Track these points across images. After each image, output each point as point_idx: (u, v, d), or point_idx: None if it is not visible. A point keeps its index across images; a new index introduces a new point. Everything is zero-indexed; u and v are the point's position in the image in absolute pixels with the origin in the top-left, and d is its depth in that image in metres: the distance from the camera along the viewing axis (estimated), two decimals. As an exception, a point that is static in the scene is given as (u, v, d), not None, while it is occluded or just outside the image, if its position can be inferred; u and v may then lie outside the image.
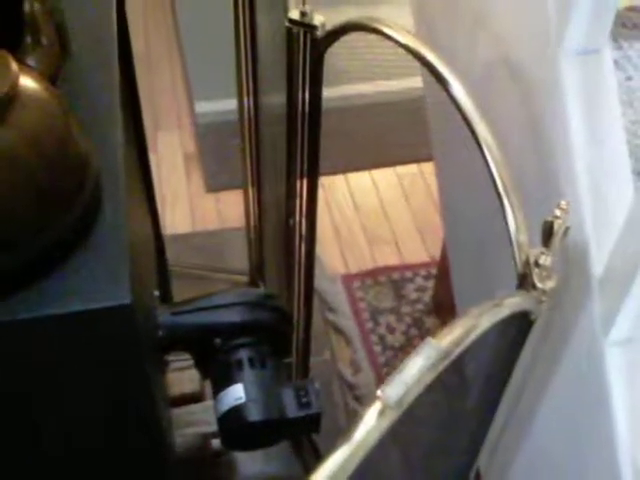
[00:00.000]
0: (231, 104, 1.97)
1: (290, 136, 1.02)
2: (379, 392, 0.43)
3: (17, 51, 0.59)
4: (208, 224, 1.93)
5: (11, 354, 0.57)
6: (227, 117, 2.04)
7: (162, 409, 0.82)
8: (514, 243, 0.64)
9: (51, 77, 0.60)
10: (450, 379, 0.57)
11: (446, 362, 0.46)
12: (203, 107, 2.13)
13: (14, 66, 0.55)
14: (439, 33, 0.92)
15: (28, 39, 0.60)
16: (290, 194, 1.12)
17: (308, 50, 0.87)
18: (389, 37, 0.74)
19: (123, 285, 0.55)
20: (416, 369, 0.44)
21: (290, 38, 0.88)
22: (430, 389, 0.47)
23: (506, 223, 0.64)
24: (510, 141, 0.69)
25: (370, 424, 0.43)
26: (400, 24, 0.75)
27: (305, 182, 1.08)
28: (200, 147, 2.09)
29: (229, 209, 1.95)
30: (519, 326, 0.66)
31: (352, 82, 2.20)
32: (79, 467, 0.72)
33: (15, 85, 0.54)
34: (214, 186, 2.00)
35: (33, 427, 0.65)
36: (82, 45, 0.73)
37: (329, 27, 0.84)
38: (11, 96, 0.53)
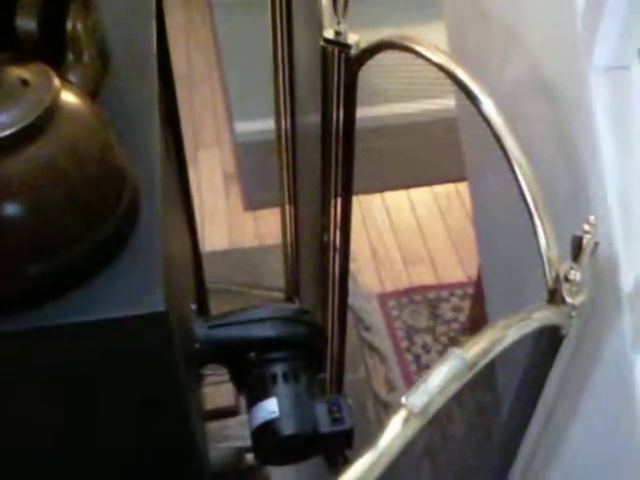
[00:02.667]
0: (270, 124, 2.00)
1: (324, 155, 1.04)
2: (403, 400, 0.44)
3: (59, 67, 0.61)
4: (246, 241, 1.96)
5: (46, 359, 0.59)
6: (266, 136, 2.06)
7: (197, 421, 0.83)
8: (544, 258, 0.64)
9: (92, 93, 0.62)
10: (481, 395, 0.57)
11: (472, 373, 0.46)
12: (242, 127, 2.17)
13: (56, 81, 0.57)
14: (471, 48, 0.93)
15: (70, 56, 0.63)
16: (325, 212, 1.14)
17: (342, 69, 0.89)
18: (421, 55, 0.75)
19: (157, 293, 0.57)
20: (440, 378, 0.44)
21: (325, 57, 0.90)
22: (461, 404, 0.48)
23: (536, 239, 0.64)
24: (540, 157, 0.69)
25: (394, 432, 0.43)
26: (433, 42, 0.76)
27: (339, 200, 1.09)
28: (239, 166, 2.12)
29: (266, 227, 1.98)
30: (550, 342, 0.66)
31: (389, 101, 2.21)
32: (110, 478, 0.74)
33: (57, 99, 0.56)
34: (252, 204, 2.03)
35: (65, 434, 0.67)
36: (122, 62, 0.75)
37: (363, 46, 0.86)
38: (53, 110, 0.55)
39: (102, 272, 0.59)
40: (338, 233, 1.14)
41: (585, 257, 0.60)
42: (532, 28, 0.82)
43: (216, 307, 1.50)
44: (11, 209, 0.54)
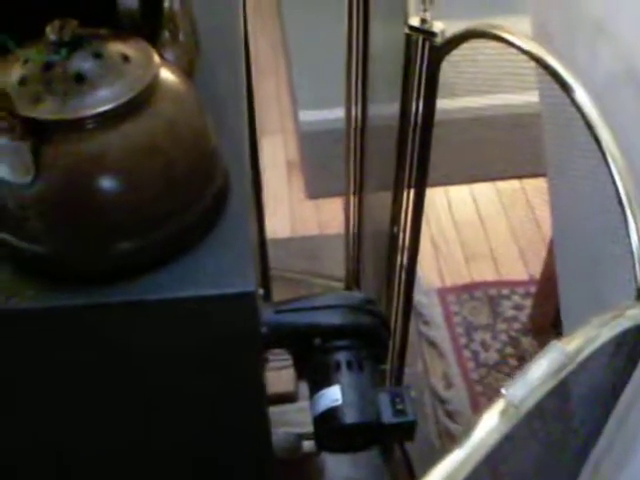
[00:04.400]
0: (335, 113, 1.99)
1: (400, 145, 1.03)
2: (503, 391, 0.43)
3: (156, 45, 0.62)
4: (307, 230, 1.96)
5: (134, 333, 0.60)
6: (330, 126, 2.07)
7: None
8: (635, 255, 0.62)
9: (186, 72, 0.63)
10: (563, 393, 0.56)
11: (570, 368, 0.45)
12: (307, 115, 2.17)
13: (156, 58, 0.58)
14: (558, 41, 0.91)
15: (166, 34, 0.63)
16: (396, 203, 1.13)
17: (426, 58, 0.88)
18: (512, 44, 0.74)
19: (248, 273, 0.57)
20: (542, 371, 0.43)
21: (408, 45, 0.89)
22: (548, 399, 0.47)
23: (627, 233, 0.63)
24: (632, 152, 0.67)
25: (491, 424, 0.43)
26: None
27: (412, 192, 1.08)
28: (302, 155, 2.13)
29: (328, 216, 1.98)
30: (634, 343, 0.64)
31: (455, 96, 2.19)
32: (183, 456, 0.75)
33: (157, 76, 0.57)
34: (314, 193, 2.03)
35: (145, 407, 0.68)
36: (210, 44, 0.76)
37: (449, 35, 0.85)
38: (153, 87, 0.56)
39: (192, 250, 0.59)
40: (408, 225, 1.13)
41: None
42: (625, 22, 0.80)
43: (276, 294, 1.51)
44: (107, 184, 0.55)
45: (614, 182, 0.63)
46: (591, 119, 0.63)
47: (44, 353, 0.61)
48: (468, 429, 0.43)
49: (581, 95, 0.65)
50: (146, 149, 0.55)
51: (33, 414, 0.66)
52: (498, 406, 0.43)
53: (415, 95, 0.93)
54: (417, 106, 0.95)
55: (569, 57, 0.85)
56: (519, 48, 0.73)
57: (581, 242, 0.86)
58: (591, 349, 0.51)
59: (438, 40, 0.85)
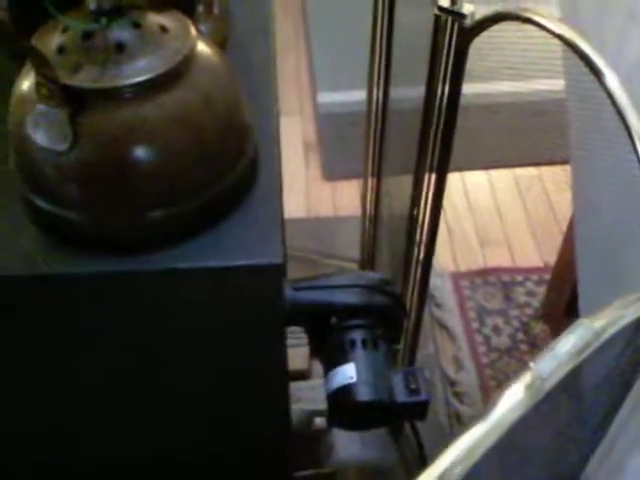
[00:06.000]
0: (354, 95, 1.99)
1: (424, 128, 1.03)
2: (531, 364, 0.44)
3: (191, 18, 0.62)
4: (322, 211, 1.97)
5: (165, 301, 0.61)
6: (349, 108, 2.07)
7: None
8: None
9: (220, 45, 0.63)
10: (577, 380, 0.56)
11: (595, 345, 0.46)
12: (325, 97, 2.16)
13: (193, 31, 0.58)
14: (587, 26, 0.91)
15: (200, 7, 0.64)
16: (417, 186, 1.13)
17: (454, 40, 0.88)
18: (543, 27, 0.74)
19: (276, 245, 0.58)
20: (569, 347, 0.44)
21: (437, 27, 0.89)
22: (572, 375, 0.48)
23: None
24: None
25: (516, 397, 0.43)
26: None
27: (434, 176, 1.08)
28: (320, 136, 2.13)
29: (344, 198, 1.98)
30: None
31: (475, 81, 2.18)
32: (203, 425, 0.76)
33: (194, 48, 0.57)
34: (331, 175, 2.03)
35: (170, 375, 0.69)
36: (241, 19, 0.77)
37: (478, 17, 0.85)
38: (190, 58, 0.57)
39: (222, 221, 0.60)
40: (428, 208, 1.14)
41: None
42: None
43: (289, 274, 1.51)
44: (143, 153, 0.56)
45: (641, 166, 0.63)
46: (621, 104, 0.64)
47: (73, 319, 0.63)
48: (492, 403, 0.43)
49: (612, 80, 0.66)
50: (181, 120, 0.56)
51: (61, 379, 0.68)
52: (524, 379, 0.43)
53: (442, 77, 0.93)
54: (443, 89, 0.95)
55: (598, 42, 0.85)
56: (550, 31, 0.73)
57: (603, 226, 0.86)
58: (616, 328, 0.51)
59: (467, 22, 0.85)
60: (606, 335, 0.48)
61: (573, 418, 0.67)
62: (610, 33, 0.86)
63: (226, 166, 0.60)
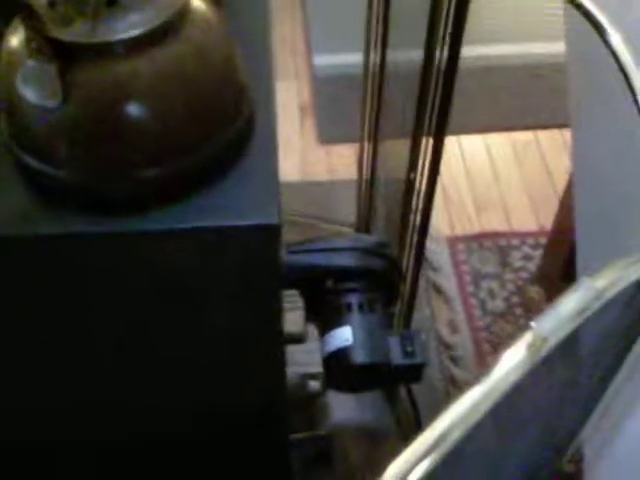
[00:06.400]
0: (350, 58, 1.96)
1: (422, 91, 1.01)
2: (532, 324, 0.43)
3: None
4: (316, 175, 1.95)
5: (160, 262, 0.60)
6: (345, 70, 2.04)
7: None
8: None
9: (214, 2, 0.62)
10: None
11: (597, 305, 0.45)
12: (322, 60, 2.14)
13: (187, -15, 0.57)
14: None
15: (195, -38, 0.62)
16: (414, 150, 1.12)
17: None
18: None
19: (272, 206, 0.57)
20: (571, 306, 0.43)
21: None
22: (572, 335, 0.47)
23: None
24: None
25: (517, 357, 0.42)
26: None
27: (431, 139, 1.07)
28: (315, 99, 2.11)
29: (339, 162, 1.97)
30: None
31: (472, 43, 2.15)
32: (197, 388, 0.75)
33: (187, 3, 0.56)
34: (326, 138, 2.01)
35: (165, 336, 0.68)
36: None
37: (478, -26, 0.83)
38: (183, 13, 0.55)
39: (218, 181, 0.59)
40: (425, 172, 1.13)
41: None
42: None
43: (285, 238, 1.51)
44: (135, 109, 0.55)
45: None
46: (624, 62, 0.63)
47: (63, 280, 0.62)
48: (492, 364, 0.42)
49: (616, 40, 0.64)
50: (175, 75, 0.55)
51: (46, 344, 0.67)
52: (525, 339, 0.43)
53: (441, 38, 0.91)
54: (442, 51, 0.94)
55: (601, 2, 0.84)
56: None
57: (602, 188, 0.85)
58: (618, 288, 0.51)
59: (467, -20, 0.84)
60: (608, 295, 0.47)
61: (570, 380, 0.67)
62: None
63: (221, 124, 0.58)
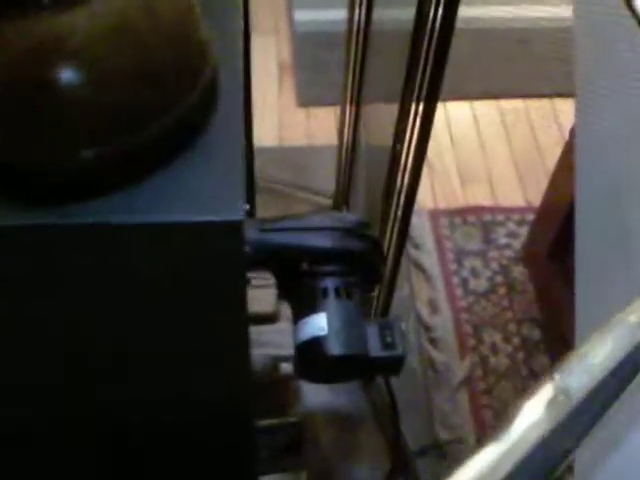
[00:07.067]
0: (332, 14, 1.85)
1: (413, 55, 0.91)
2: (556, 376, 0.34)
3: None
4: (295, 139, 1.85)
5: (97, 258, 0.50)
6: (327, 27, 1.93)
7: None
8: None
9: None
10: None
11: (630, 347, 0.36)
12: (303, 15, 2.02)
13: None
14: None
15: None
16: (402, 118, 1.02)
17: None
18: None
19: (236, 197, 0.47)
20: (605, 354, 0.34)
21: None
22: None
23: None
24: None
25: (535, 416, 0.33)
26: None
27: (421, 107, 0.97)
28: (295, 57, 1.99)
29: (319, 126, 1.86)
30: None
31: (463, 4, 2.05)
32: (159, 380, 0.67)
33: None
34: (306, 100, 1.90)
35: (119, 334, 0.59)
36: None
37: None
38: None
39: (172, 164, 0.49)
40: (413, 143, 1.03)
41: None
42: None
43: (259, 207, 1.41)
44: (69, 74, 0.44)
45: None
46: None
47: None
48: (508, 420, 0.33)
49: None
50: (118, 32, 0.44)
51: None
52: (546, 392, 0.34)
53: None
54: (436, 11, 0.84)
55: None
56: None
57: (607, 161, 0.77)
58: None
59: None
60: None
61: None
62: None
63: (176, 91, 0.48)
